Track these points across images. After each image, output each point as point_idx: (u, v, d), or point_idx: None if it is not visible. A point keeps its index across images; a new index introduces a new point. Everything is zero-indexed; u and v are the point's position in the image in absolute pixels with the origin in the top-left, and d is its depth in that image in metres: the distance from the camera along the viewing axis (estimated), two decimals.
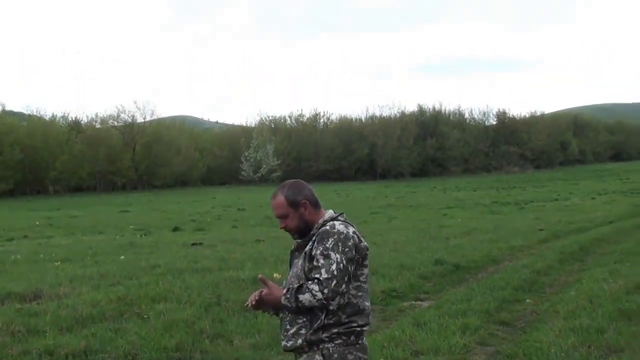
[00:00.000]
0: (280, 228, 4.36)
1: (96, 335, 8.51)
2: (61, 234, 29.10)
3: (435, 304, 10.89)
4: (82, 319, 9.47)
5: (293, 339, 4.17)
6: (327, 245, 4.05)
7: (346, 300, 4.14)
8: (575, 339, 7.98)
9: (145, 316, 9.67)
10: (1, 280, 13.56)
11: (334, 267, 3.99)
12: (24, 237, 27.99)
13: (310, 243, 4.17)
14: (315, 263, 4.05)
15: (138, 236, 26.75)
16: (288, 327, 4.20)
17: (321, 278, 3.98)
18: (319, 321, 4.15)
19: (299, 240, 4.33)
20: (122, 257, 17.68)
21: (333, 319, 4.13)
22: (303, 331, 4.13)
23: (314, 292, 3.98)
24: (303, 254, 4.20)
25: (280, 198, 4.29)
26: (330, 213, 4.35)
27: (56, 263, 16.86)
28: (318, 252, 4.06)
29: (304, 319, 4.14)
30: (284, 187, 4.36)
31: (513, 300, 11.14)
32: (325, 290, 3.97)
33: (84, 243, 23.35)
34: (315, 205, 4.33)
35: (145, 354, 7.80)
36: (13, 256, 18.57)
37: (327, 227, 4.16)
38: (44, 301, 10.98)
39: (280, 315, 4.30)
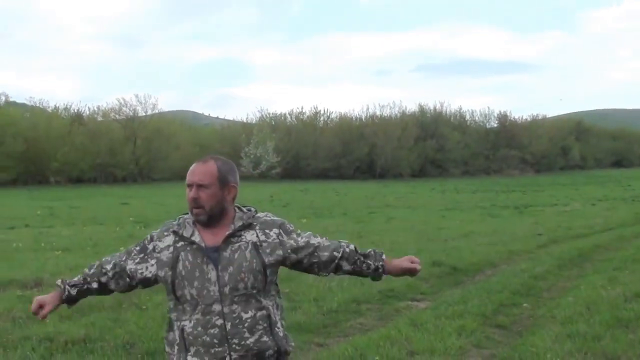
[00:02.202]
0: (190, 198, 3.54)
1: (95, 324, 8.59)
2: (62, 224, 29.09)
3: (432, 305, 10.93)
4: (82, 308, 9.52)
5: (255, 348, 3.47)
6: (295, 229, 3.69)
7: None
8: (572, 345, 8.00)
9: (144, 307, 9.75)
10: (3, 268, 13.68)
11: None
12: (25, 226, 28.00)
13: (254, 234, 3.55)
14: (295, 244, 3.62)
15: (137, 228, 26.76)
16: (247, 334, 3.45)
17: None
18: (279, 324, 3.61)
19: (186, 230, 3.59)
20: (122, 248, 17.65)
21: (284, 321, 3.71)
22: (265, 339, 3.49)
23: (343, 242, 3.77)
24: (249, 245, 3.51)
25: (212, 165, 3.59)
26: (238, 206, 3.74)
27: (57, 252, 16.96)
28: (297, 234, 3.67)
29: (264, 324, 3.51)
30: (218, 158, 3.68)
31: (510, 304, 11.15)
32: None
33: (85, 233, 23.39)
34: (235, 198, 3.70)
35: (143, 343, 7.87)
36: (14, 244, 18.68)
37: (279, 219, 3.71)
38: (44, 289, 11.07)
39: (207, 316, 3.45)
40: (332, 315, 9.89)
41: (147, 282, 3.69)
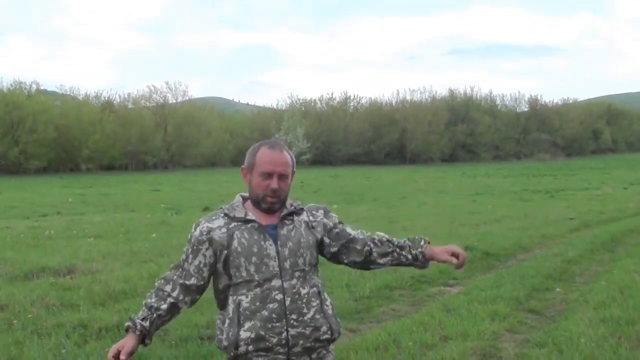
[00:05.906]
0: (271, 188, 3.46)
1: (129, 310, 8.58)
2: (94, 211, 29.36)
3: (465, 290, 10.87)
4: (115, 294, 9.63)
5: (311, 325, 3.43)
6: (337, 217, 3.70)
7: None
8: (606, 330, 7.91)
9: None
10: (36, 255, 13.76)
11: None
12: (57, 213, 28.31)
13: (304, 216, 3.57)
14: (338, 229, 3.62)
15: (169, 215, 26.93)
16: (305, 310, 3.43)
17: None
18: (328, 302, 3.58)
19: (246, 218, 3.49)
20: (154, 235, 17.84)
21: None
22: (318, 316, 3.45)
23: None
24: (302, 224, 3.54)
25: (287, 154, 3.54)
26: None
27: (89, 239, 17.07)
28: (337, 221, 3.65)
29: (317, 301, 3.49)
30: (283, 145, 3.62)
31: (543, 288, 11.07)
32: None
33: (116, 220, 23.58)
34: None
35: (177, 330, 7.87)
36: (47, 232, 18.82)
37: (322, 205, 3.76)
38: (77, 276, 11.16)
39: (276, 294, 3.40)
40: (364, 302, 9.87)
41: (214, 269, 3.55)
